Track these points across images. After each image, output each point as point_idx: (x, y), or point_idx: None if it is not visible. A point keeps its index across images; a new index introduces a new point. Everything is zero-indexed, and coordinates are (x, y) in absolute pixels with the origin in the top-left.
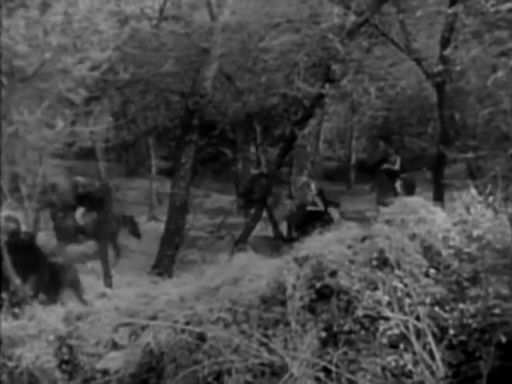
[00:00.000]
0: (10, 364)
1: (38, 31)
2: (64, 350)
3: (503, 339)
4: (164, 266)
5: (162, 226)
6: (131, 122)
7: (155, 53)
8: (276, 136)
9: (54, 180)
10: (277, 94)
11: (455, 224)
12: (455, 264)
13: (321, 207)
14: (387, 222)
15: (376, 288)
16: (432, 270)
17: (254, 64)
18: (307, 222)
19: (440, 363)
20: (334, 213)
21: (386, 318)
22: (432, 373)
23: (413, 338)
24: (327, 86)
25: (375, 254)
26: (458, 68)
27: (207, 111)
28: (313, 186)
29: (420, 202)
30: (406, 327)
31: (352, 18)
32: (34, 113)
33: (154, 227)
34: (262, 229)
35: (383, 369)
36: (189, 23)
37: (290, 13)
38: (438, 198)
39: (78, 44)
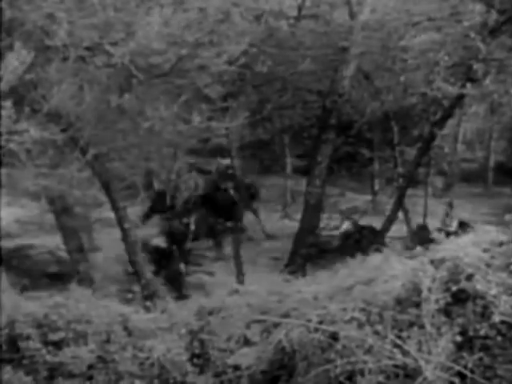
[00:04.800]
0: (141, 355)
1: (173, 28)
2: (195, 343)
3: None
4: (297, 264)
5: (294, 225)
6: (267, 119)
7: (293, 51)
8: (414, 136)
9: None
10: (416, 93)
11: None
12: None
13: None
14: None
15: None
16: None
17: (393, 63)
18: None
19: None
20: None
21: None
22: None
23: None
24: (468, 85)
25: None
26: None
27: (344, 110)
28: None
29: None
30: None
31: (494, 16)
32: (171, 108)
33: (287, 225)
34: (398, 230)
35: None
36: (328, 22)
37: (431, 11)
38: None
39: (214, 39)
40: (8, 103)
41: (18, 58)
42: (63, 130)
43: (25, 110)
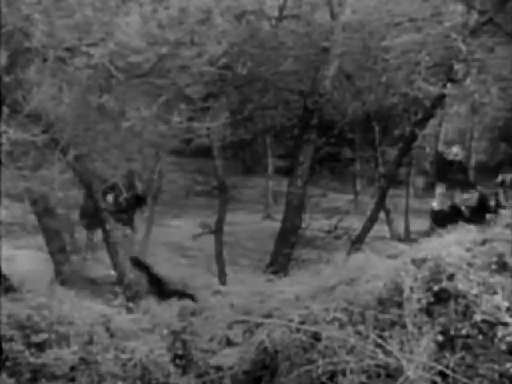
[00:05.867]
0: (124, 356)
1: (152, 27)
2: (178, 344)
3: None
4: (279, 264)
5: (276, 225)
6: (249, 120)
7: (274, 52)
8: (395, 136)
9: (170, 177)
10: (397, 93)
11: None
12: None
13: None
14: (507, 225)
15: (495, 293)
16: None
17: (374, 63)
18: None
19: None
20: None
21: (505, 324)
22: None
23: None
24: (449, 85)
25: (494, 258)
26: None
27: (326, 110)
28: None
29: None
30: None
31: (475, 16)
32: (151, 108)
33: (268, 226)
34: (380, 230)
35: (501, 375)
36: (309, 22)
37: (412, 11)
38: None
39: (195, 38)
40: None
41: None
42: (44, 132)
43: (5, 111)
